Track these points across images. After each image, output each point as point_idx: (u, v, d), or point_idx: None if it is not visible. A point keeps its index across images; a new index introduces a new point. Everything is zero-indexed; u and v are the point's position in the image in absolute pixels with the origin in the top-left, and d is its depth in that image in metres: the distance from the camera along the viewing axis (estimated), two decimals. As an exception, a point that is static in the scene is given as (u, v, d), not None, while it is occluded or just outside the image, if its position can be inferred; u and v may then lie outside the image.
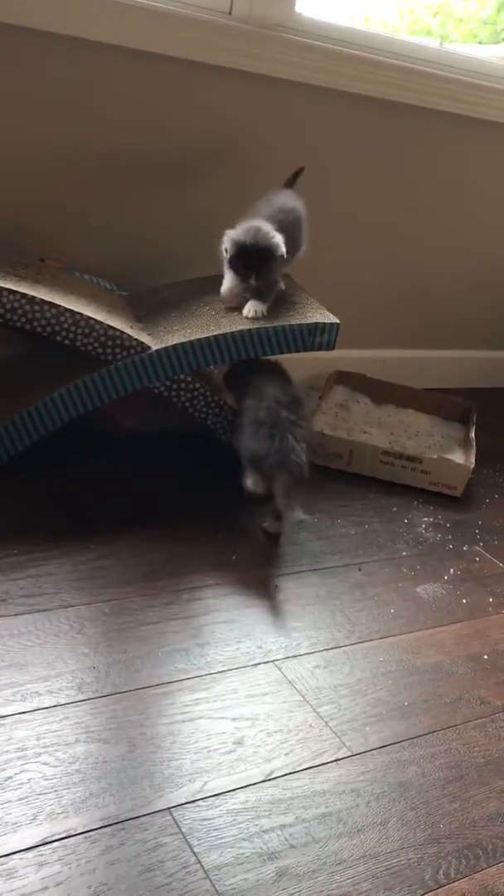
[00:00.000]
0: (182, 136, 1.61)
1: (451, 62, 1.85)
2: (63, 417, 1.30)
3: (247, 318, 1.38)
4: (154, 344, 1.33)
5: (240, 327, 1.35)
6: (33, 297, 1.23)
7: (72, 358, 1.32)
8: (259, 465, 1.25)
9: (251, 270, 1.35)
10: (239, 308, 1.40)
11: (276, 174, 1.71)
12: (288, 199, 1.47)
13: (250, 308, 1.38)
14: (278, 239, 1.34)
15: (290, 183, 1.56)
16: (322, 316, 1.41)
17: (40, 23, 1.39)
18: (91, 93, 1.49)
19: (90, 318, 1.27)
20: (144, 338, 1.33)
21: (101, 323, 1.27)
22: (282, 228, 1.38)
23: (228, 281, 1.41)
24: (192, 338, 1.33)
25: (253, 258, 1.34)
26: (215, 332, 1.34)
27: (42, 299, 1.24)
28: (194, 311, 1.44)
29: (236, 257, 1.35)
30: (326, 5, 1.76)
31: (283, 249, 1.34)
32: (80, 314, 1.26)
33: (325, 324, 1.39)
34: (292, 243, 1.42)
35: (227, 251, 1.35)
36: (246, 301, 1.39)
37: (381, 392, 1.91)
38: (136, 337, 1.31)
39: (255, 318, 1.37)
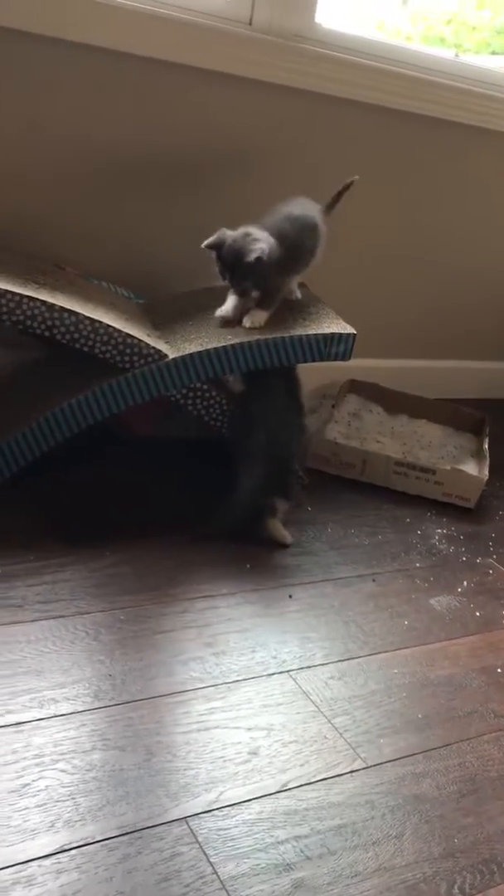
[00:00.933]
0: (200, 146, 1.62)
1: (466, 73, 1.86)
2: (80, 424, 1.30)
3: (245, 328, 1.38)
4: (171, 352, 1.33)
5: (256, 337, 1.36)
6: (53, 305, 1.24)
7: (89, 365, 1.32)
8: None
9: (225, 271, 1.36)
10: (235, 321, 1.40)
11: (293, 183, 1.71)
12: (297, 208, 1.44)
13: (247, 318, 1.39)
14: (259, 245, 1.32)
15: (336, 198, 1.53)
16: (338, 326, 1.41)
17: (61, 32, 1.40)
18: (111, 102, 1.50)
19: (109, 325, 1.28)
20: (162, 346, 1.34)
21: (119, 331, 1.28)
22: (282, 236, 1.37)
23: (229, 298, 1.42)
24: (209, 346, 1.34)
25: (227, 260, 1.34)
26: (231, 342, 1.35)
27: (61, 307, 1.25)
28: (211, 320, 1.45)
29: (216, 258, 1.35)
30: (343, 13, 1.77)
31: (255, 255, 1.30)
32: (99, 322, 1.27)
33: (341, 334, 1.39)
34: (298, 252, 1.41)
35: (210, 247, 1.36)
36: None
37: (394, 401, 1.92)
38: (153, 345, 1.31)
39: (251, 329, 1.37)
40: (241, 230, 1.35)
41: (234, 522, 1.30)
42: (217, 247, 1.35)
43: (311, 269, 1.48)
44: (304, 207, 1.46)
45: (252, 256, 1.31)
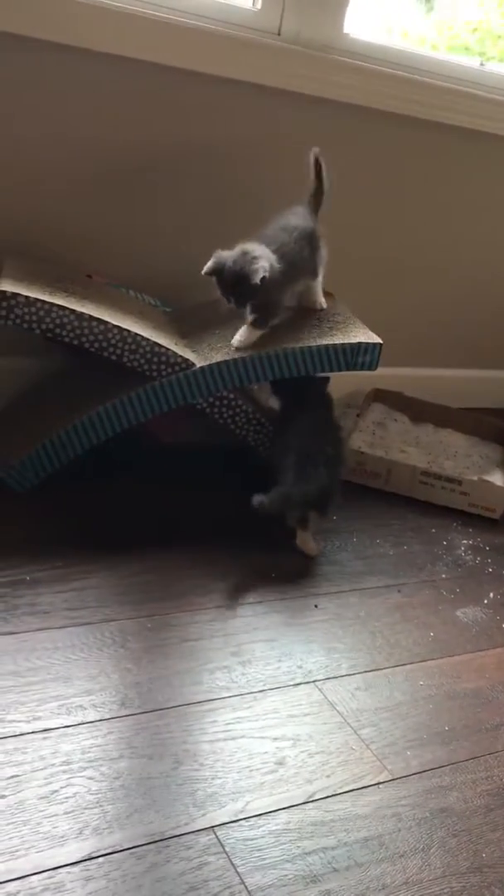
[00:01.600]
0: (227, 156, 1.63)
1: (494, 82, 1.86)
2: (107, 431, 1.31)
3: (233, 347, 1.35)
4: (198, 361, 1.34)
5: (283, 346, 1.36)
6: (82, 314, 1.25)
7: (117, 373, 1.33)
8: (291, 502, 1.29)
9: (230, 295, 1.31)
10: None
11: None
12: (292, 217, 1.41)
13: (236, 336, 1.35)
14: (261, 264, 1.27)
15: (316, 193, 1.47)
16: (365, 336, 1.41)
17: (92, 44, 1.41)
18: (141, 110, 1.52)
19: (137, 334, 1.28)
20: (189, 355, 1.34)
21: (147, 340, 1.29)
22: (280, 248, 1.34)
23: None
24: (236, 356, 1.34)
25: (229, 283, 1.30)
26: (258, 351, 1.35)
27: (90, 315, 1.26)
28: (238, 328, 1.45)
29: (217, 282, 1.31)
30: (368, 22, 1.77)
31: (260, 276, 1.26)
32: (128, 331, 1.28)
33: (367, 344, 1.39)
34: (298, 261, 1.38)
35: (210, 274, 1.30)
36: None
37: (419, 411, 1.91)
38: (180, 354, 1.32)
39: (237, 349, 1.34)
40: (238, 249, 1.31)
41: (274, 511, 1.27)
42: (217, 272, 1.30)
43: (320, 275, 1.47)
44: (299, 215, 1.43)
45: (257, 278, 1.26)
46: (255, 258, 1.29)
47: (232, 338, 1.39)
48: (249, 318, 1.35)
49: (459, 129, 1.83)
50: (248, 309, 1.34)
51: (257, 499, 1.25)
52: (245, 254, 1.29)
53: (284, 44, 1.57)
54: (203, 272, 1.30)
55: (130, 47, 1.44)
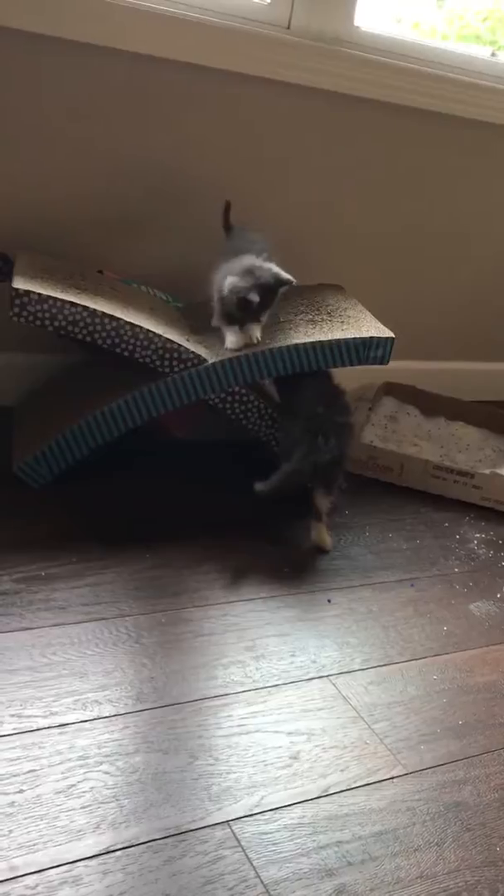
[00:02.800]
0: (237, 151, 1.63)
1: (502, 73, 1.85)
2: (120, 427, 1.32)
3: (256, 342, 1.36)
4: (210, 356, 1.34)
5: (294, 341, 1.36)
6: (94, 310, 1.26)
7: (129, 369, 1.34)
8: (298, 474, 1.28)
9: (261, 307, 1.33)
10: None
11: (332, 188, 1.72)
12: (249, 233, 1.47)
13: (254, 333, 1.36)
14: (274, 268, 1.34)
15: (226, 220, 1.51)
16: (377, 330, 1.41)
17: (103, 39, 1.41)
18: (151, 106, 1.52)
19: (149, 330, 1.29)
20: (201, 350, 1.35)
21: (159, 336, 1.29)
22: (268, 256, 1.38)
23: (233, 331, 1.37)
24: (247, 351, 1.34)
25: (265, 297, 1.32)
26: (270, 346, 1.35)
27: (103, 312, 1.26)
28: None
29: (256, 302, 1.31)
30: (379, 14, 1.76)
31: (289, 276, 1.34)
32: (140, 327, 1.28)
33: (379, 338, 1.39)
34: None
35: (241, 304, 1.31)
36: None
37: (431, 404, 1.91)
38: (192, 349, 1.32)
39: (237, 350, 1.35)
40: (243, 266, 1.33)
41: (276, 491, 1.28)
42: (262, 290, 1.32)
43: None
44: (249, 232, 1.48)
45: (287, 275, 1.33)
46: (263, 265, 1.34)
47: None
48: (262, 318, 1.37)
49: (472, 121, 1.82)
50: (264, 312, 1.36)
51: (258, 485, 1.27)
52: (253, 268, 1.33)
53: (294, 37, 1.57)
54: (254, 301, 1.30)
55: (138, 43, 1.44)
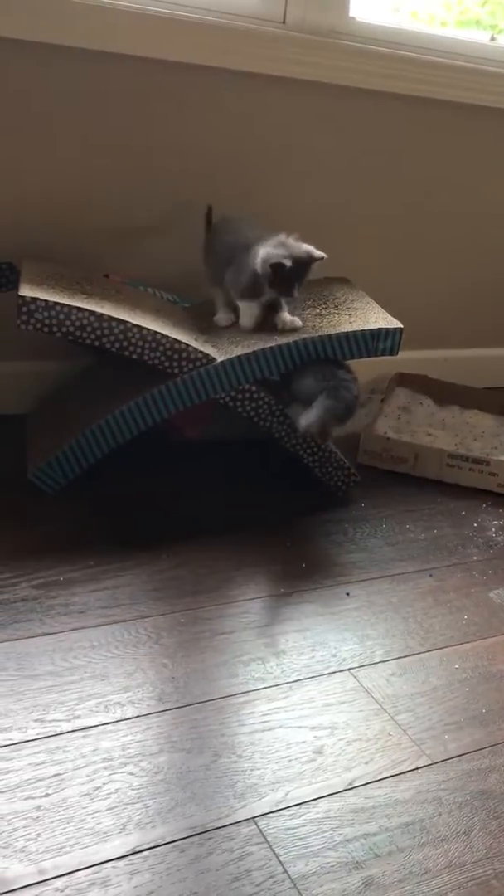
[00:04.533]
0: (239, 148, 1.63)
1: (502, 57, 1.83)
2: (132, 430, 1.32)
3: (291, 329, 1.39)
4: (218, 355, 1.34)
5: (302, 336, 1.36)
6: (101, 314, 1.26)
7: (139, 371, 1.34)
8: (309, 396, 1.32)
9: (295, 281, 1.36)
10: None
11: (335, 180, 1.72)
12: (237, 223, 1.48)
13: (291, 320, 1.40)
14: (304, 245, 1.37)
15: (208, 224, 1.52)
16: (385, 321, 1.41)
17: (100, 44, 1.42)
18: (150, 107, 1.52)
19: (156, 332, 1.29)
20: (209, 350, 1.35)
21: (167, 337, 1.30)
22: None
23: (252, 308, 1.41)
24: (256, 348, 1.34)
25: (300, 269, 1.36)
26: (279, 342, 1.35)
27: (110, 316, 1.27)
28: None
29: (289, 272, 1.34)
30: (377, 3, 1.75)
31: (318, 251, 1.37)
32: (147, 329, 1.29)
33: (387, 329, 1.39)
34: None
35: (276, 269, 1.33)
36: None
37: (444, 393, 1.90)
38: (201, 349, 1.32)
39: (291, 330, 1.39)
40: (273, 242, 1.36)
41: (322, 424, 1.31)
42: (295, 260, 1.34)
43: None
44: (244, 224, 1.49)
45: (322, 253, 1.36)
46: (293, 243, 1.37)
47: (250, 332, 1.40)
48: (295, 293, 1.38)
49: (473, 107, 1.81)
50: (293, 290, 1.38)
51: (302, 423, 1.30)
52: (283, 244, 1.36)
53: (290, 31, 1.57)
54: (287, 265, 1.33)
55: (133, 45, 1.44)
